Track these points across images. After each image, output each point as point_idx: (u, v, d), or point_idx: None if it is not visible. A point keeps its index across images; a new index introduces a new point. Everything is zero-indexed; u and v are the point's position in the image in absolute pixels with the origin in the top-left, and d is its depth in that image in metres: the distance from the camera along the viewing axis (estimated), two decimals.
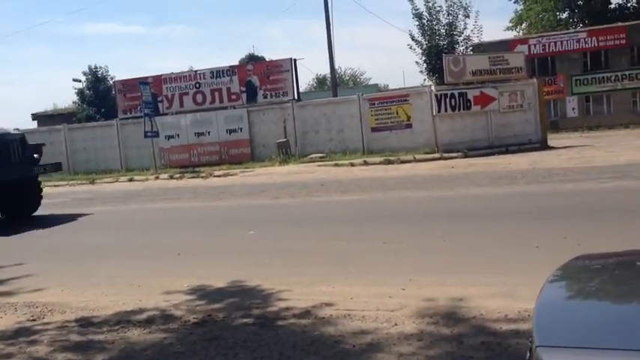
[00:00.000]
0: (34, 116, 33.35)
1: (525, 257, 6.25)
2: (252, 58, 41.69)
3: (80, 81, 43.52)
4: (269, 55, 41.47)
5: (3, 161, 11.88)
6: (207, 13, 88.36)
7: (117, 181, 21.58)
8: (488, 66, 21.96)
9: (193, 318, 5.15)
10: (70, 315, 5.52)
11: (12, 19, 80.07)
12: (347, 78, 60.89)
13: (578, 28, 40.77)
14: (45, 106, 62.41)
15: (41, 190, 13.47)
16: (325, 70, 56.18)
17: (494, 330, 4.31)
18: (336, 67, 36.15)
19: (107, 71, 47.67)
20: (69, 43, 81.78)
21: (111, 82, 38.45)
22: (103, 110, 38.10)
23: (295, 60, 24.20)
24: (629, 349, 1.76)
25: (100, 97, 44.16)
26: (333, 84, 30.44)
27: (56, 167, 14.69)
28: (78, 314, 5.52)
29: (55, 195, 17.43)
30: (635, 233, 6.75)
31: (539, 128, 21.69)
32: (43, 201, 13.48)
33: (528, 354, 2.08)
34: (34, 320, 5.48)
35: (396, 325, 4.57)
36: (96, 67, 46.99)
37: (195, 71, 25.77)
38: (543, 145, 20.91)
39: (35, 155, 12.93)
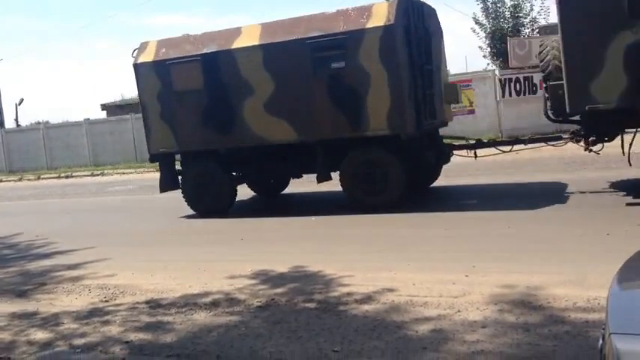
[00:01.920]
0: (104, 106, 34.56)
1: (596, 244, 6.04)
2: None
3: None
4: None
5: None
6: (268, 2, 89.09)
7: None
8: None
9: (257, 302, 5.25)
10: (140, 297, 5.74)
11: (82, 14, 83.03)
12: None
13: None
14: (114, 96, 64.73)
15: None
16: None
17: (562, 318, 4.19)
18: None
19: None
20: (136, 34, 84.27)
21: None
22: None
23: None
24: None
25: None
26: None
27: None
28: (147, 296, 5.73)
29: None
30: None
31: None
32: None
33: (601, 341, 2.02)
34: (106, 301, 5.72)
35: (459, 311, 4.52)
36: None
37: None
38: None
39: None
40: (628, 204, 7.80)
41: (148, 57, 10.34)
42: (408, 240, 7.25)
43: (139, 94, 10.67)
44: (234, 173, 10.70)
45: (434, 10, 10.39)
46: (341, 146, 9.36)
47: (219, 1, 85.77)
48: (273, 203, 11.60)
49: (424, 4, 9.91)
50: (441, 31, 10.72)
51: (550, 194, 9.33)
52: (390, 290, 5.17)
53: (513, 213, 8.08)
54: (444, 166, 10.88)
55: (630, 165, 9.05)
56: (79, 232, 10.31)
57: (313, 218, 9.19)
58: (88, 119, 26.05)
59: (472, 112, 20.95)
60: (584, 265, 5.27)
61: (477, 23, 29.64)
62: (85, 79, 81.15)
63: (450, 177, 11.36)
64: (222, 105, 9.79)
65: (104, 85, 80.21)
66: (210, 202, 10.25)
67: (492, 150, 10.63)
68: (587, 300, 4.40)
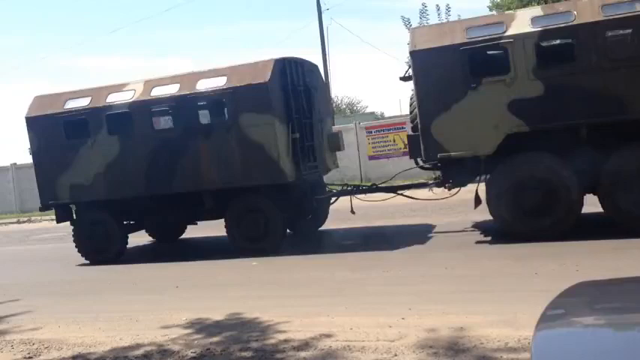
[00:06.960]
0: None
1: (525, 284, 6.21)
2: None
3: None
4: None
5: None
6: (208, 44, 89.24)
7: None
8: None
9: (191, 352, 5.09)
10: (67, 352, 5.46)
11: (13, 54, 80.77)
12: (344, 106, 61.17)
13: None
14: None
15: None
16: None
17: (495, 359, 4.26)
18: (333, 95, 36.35)
19: None
20: (69, 76, 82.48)
21: None
22: None
23: None
24: None
25: None
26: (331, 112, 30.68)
27: None
28: (74, 350, 5.46)
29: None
30: (629, 260, 6.71)
31: None
32: None
33: None
34: (30, 358, 5.42)
35: (396, 355, 4.53)
36: None
37: None
38: None
39: None
40: None
41: (38, 111, 10.64)
42: (345, 283, 7.25)
43: (30, 146, 10.88)
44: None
45: (315, 67, 11.12)
46: (225, 195, 9.81)
47: (157, 43, 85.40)
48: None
49: (304, 61, 10.53)
50: (324, 85, 11.62)
51: (481, 235, 9.58)
52: (328, 336, 5.13)
53: (449, 254, 8.23)
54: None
55: (475, 207, 9.04)
56: (3, 283, 9.79)
57: (254, 263, 9.07)
58: (15, 164, 25.06)
59: (407, 153, 21.43)
60: (514, 305, 5.40)
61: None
62: (15, 122, 78.48)
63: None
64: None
65: None
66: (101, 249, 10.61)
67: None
68: (518, 340, 4.50)
